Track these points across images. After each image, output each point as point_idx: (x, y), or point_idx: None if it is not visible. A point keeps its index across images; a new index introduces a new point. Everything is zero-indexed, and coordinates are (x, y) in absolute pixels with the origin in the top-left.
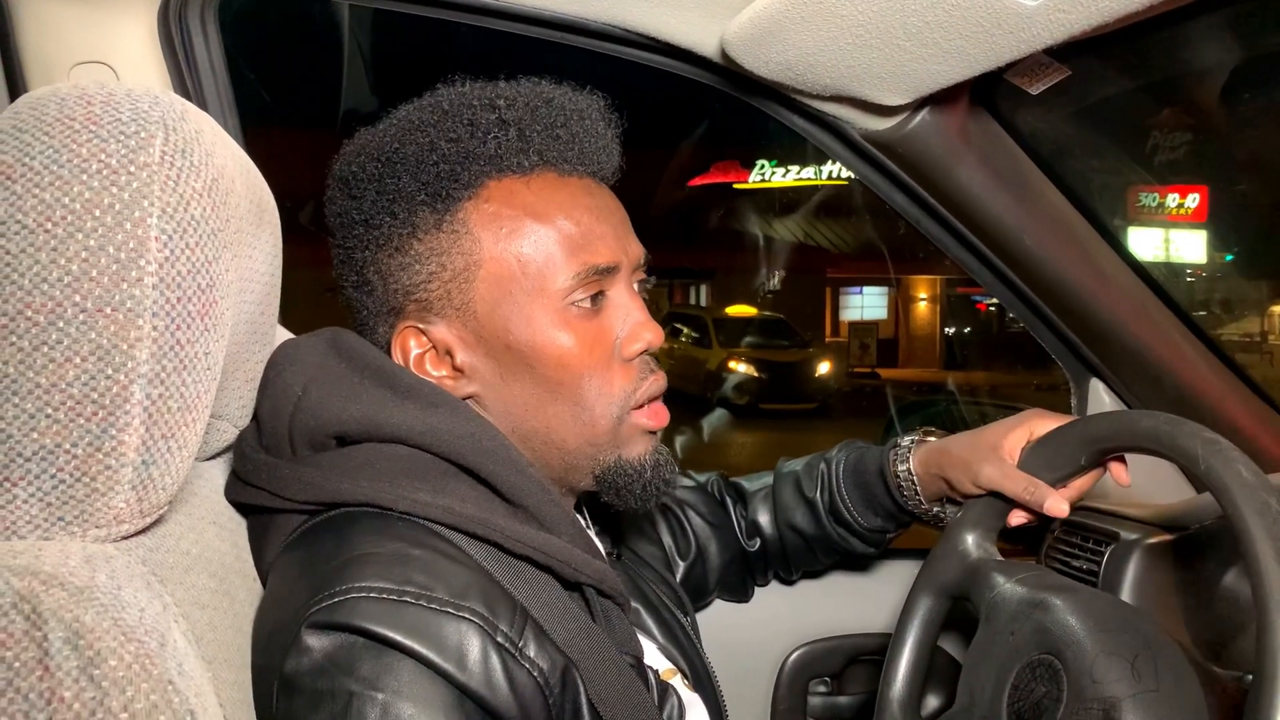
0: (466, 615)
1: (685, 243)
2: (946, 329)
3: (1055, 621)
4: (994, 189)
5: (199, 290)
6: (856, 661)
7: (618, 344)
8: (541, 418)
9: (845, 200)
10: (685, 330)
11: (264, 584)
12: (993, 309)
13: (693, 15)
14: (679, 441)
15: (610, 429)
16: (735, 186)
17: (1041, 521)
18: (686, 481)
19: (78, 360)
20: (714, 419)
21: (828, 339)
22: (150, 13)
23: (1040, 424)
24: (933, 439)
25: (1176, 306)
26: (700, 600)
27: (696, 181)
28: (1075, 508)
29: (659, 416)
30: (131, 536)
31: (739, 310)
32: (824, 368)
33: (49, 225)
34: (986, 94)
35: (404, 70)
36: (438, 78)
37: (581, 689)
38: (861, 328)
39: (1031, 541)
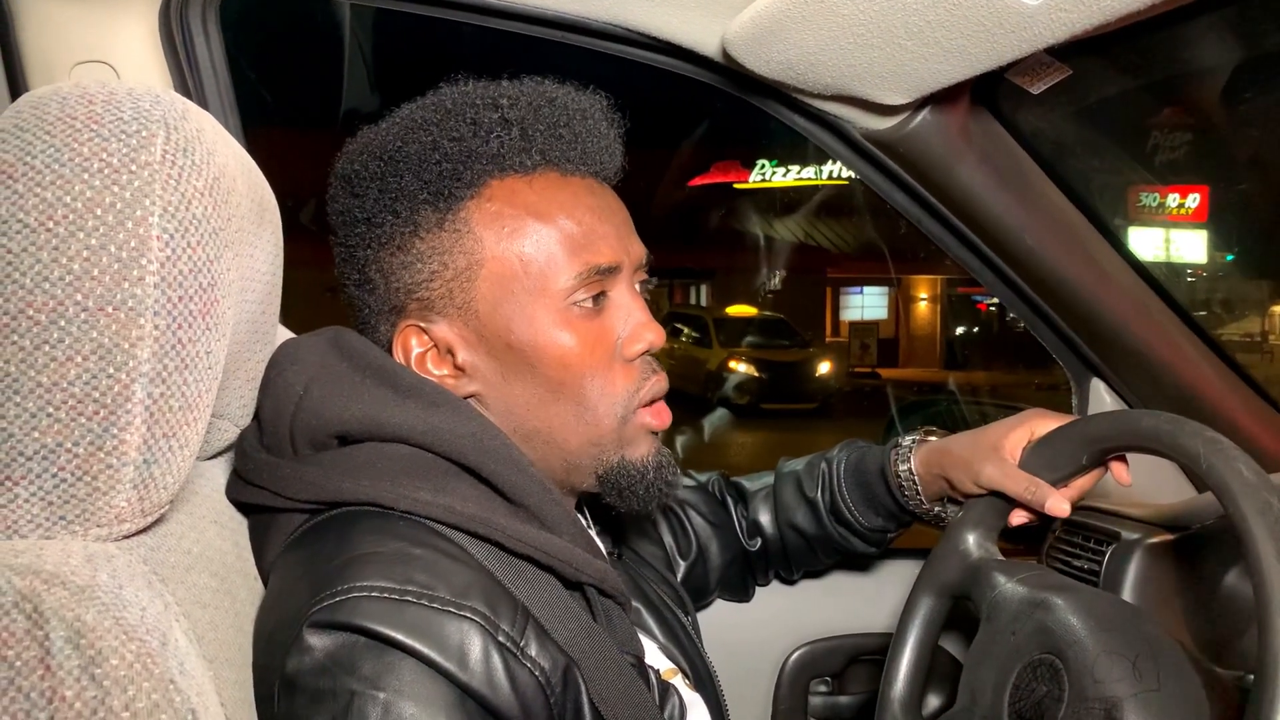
0: (468, 615)
1: (685, 243)
2: (947, 329)
3: (1056, 621)
4: (995, 188)
5: (200, 289)
6: (857, 661)
7: (619, 344)
8: (543, 417)
9: (846, 200)
10: (686, 330)
11: (265, 583)
12: (993, 309)
13: (694, 14)
14: (679, 441)
15: (613, 429)
16: (736, 186)
17: (1043, 521)
18: (687, 481)
19: (79, 359)
20: (714, 419)
21: (828, 339)
22: (151, 12)
23: (1041, 424)
24: (934, 439)
25: (1177, 306)
26: (701, 600)
27: (697, 181)
28: (1076, 507)
29: (662, 417)
30: (133, 535)
31: (739, 310)
32: (824, 368)
33: (50, 224)
34: (988, 93)
35: (405, 70)
36: (439, 77)
37: (583, 688)
38: (862, 328)
39: (1033, 541)
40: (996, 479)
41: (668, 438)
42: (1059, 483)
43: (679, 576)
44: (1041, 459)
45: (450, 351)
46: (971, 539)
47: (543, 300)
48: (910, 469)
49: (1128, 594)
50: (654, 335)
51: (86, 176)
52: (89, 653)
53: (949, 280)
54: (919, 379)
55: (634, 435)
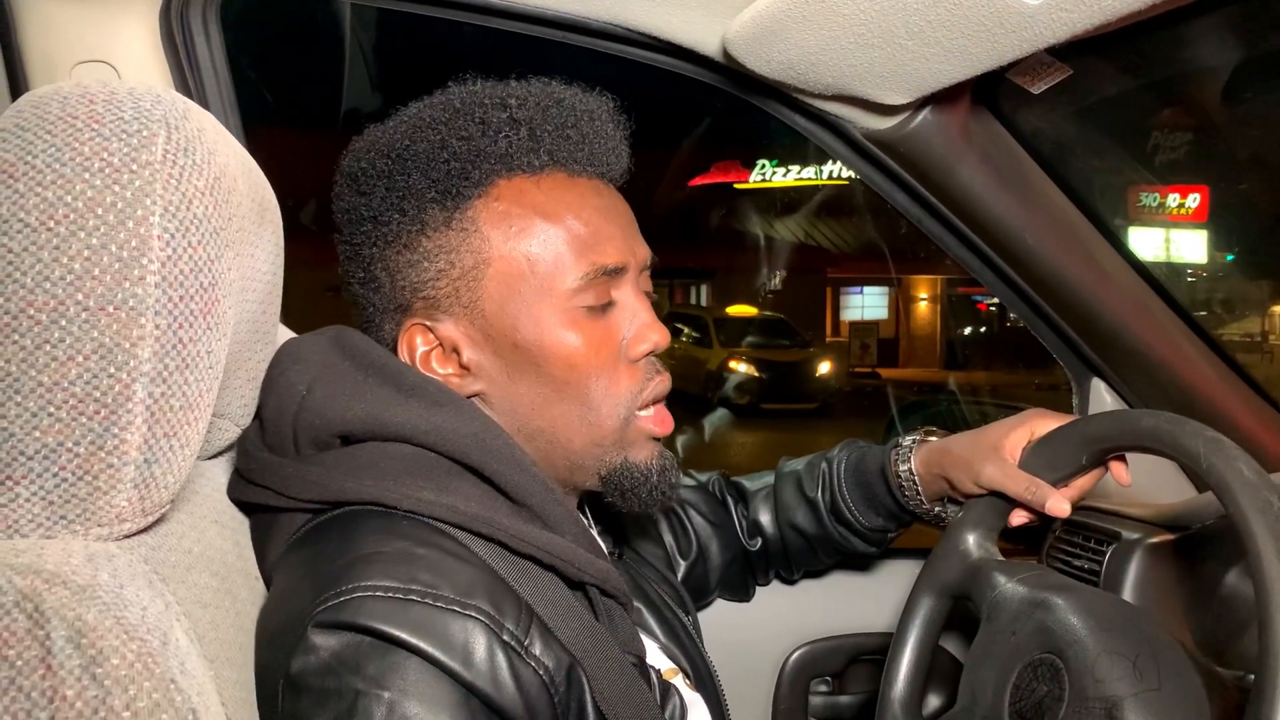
0: (472, 613)
1: (686, 242)
2: (947, 329)
3: (1057, 621)
4: (995, 188)
5: (201, 289)
6: (858, 661)
7: (624, 345)
8: (547, 417)
9: (846, 200)
10: (686, 330)
11: (266, 582)
12: (993, 309)
13: (694, 14)
14: (680, 441)
15: (616, 429)
16: (736, 186)
17: (1043, 521)
18: (688, 481)
19: (80, 359)
20: (715, 419)
21: (828, 339)
22: (152, 12)
23: (1041, 423)
24: (934, 439)
25: (1178, 306)
26: (701, 599)
27: (697, 181)
28: (1076, 507)
29: (664, 424)
30: (134, 535)
31: (739, 310)
32: (825, 367)
33: (51, 224)
34: (988, 93)
35: (405, 70)
36: (439, 77)
37: (586, 687)
38: (862, 327)
39: (1033, 541)
40: (997, 479)
41: (668, 438)
42: (1059, 483)
43: (679, 576)
44: (1041, 459)
45: (455, 350)
46: (972, 539)
47: (549, 300)
48: (910, 469)
49: (1128, 594)
50: (658, 336)
51: (88, 176)
52: (90, 652)
53: (949, 280)
54: (919, 379)
55: (636, 437)
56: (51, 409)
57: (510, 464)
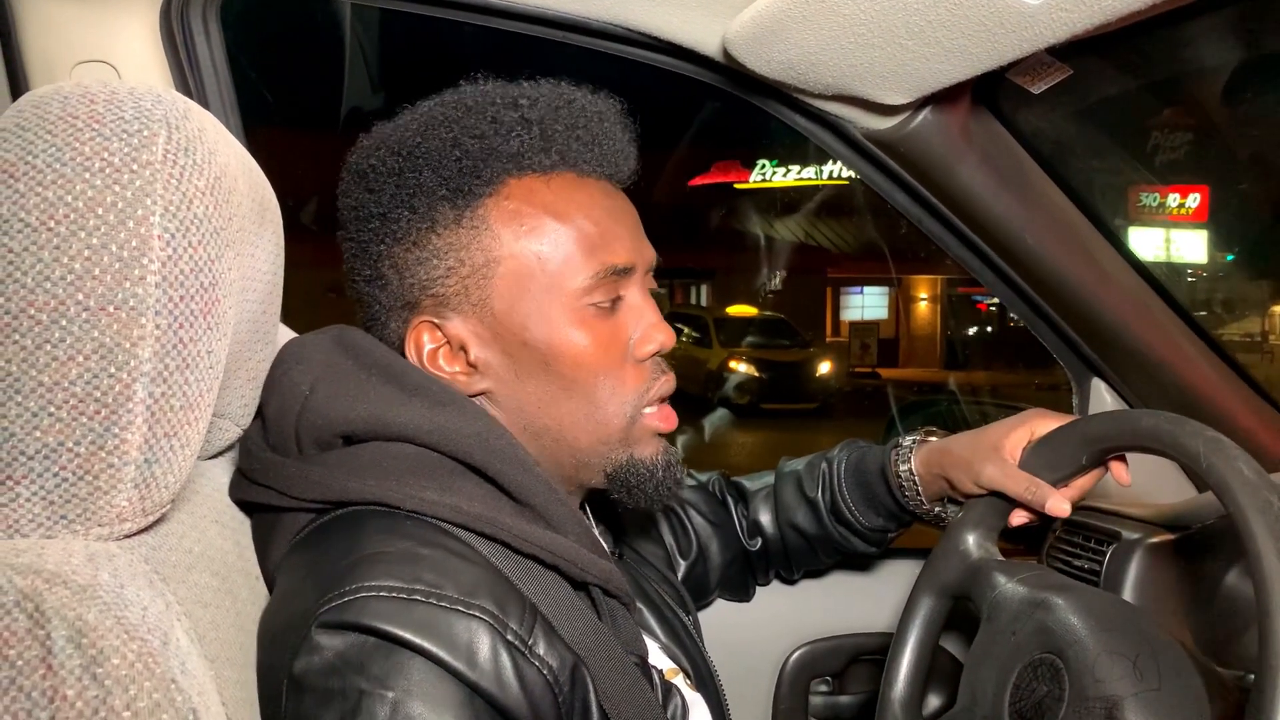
0: (476, 613)
1: (686, 242)
2: (947, 329)
3: (1057, 621)
4: (995, 188)
5: (201, 289)
6: (858, 661)
7: (631, 344)
8: (554, 415)
9: (846, 200)
10: (686, 330)
11: (268, 583)
12: (993, 309)
13: (695, 14)
14: (680, 441)
15: (622, 428)
16: (736, 186)
17: (1043, 521)
18: (688, 481)
19: (80, 359)
20: (715, 419)
21: (828, 339)
22: (152, 12)
23: (1041, 424)
24: (934, 439)
25: (1178, 306)
26: (702, 599)
27: (697, 181)
28: (1077, 507)
29: (669, 420)
30: (134, 535)
31: (740, 310)
32: (825, 367)
33: (52, 224)
34: (988, 93)
35: (406, 70)
36: (439, 77)
37: (590, 687)
38: (862, 327)
39: (1033, 541)
40: (997, 479)
41: (668, 438)
42: (1059, 483)
43: (679, 576)
44: (1042, 459)
45: (463, 348)
46: (972, 539)
47: (559, 299)
48: (911, 469)
49: (1128, 594)
50: (665, 336)
51: (88, 176)
52: (90, 652)
53: (949, 280)
54: (919, 379)
55: (641, 435)
56: (52, 409)
57: (513, 464)
